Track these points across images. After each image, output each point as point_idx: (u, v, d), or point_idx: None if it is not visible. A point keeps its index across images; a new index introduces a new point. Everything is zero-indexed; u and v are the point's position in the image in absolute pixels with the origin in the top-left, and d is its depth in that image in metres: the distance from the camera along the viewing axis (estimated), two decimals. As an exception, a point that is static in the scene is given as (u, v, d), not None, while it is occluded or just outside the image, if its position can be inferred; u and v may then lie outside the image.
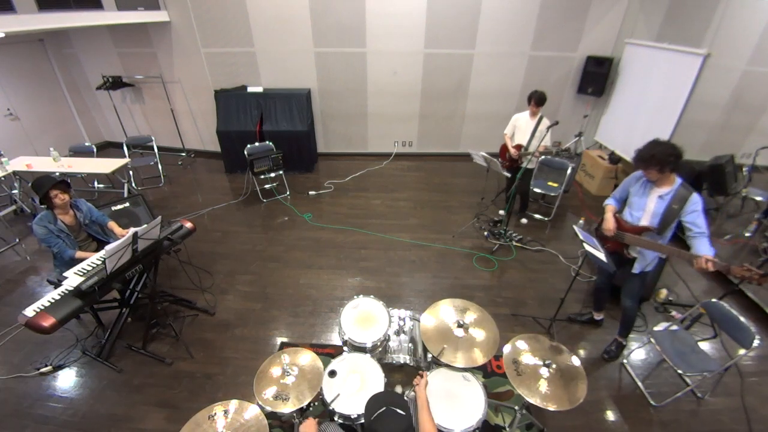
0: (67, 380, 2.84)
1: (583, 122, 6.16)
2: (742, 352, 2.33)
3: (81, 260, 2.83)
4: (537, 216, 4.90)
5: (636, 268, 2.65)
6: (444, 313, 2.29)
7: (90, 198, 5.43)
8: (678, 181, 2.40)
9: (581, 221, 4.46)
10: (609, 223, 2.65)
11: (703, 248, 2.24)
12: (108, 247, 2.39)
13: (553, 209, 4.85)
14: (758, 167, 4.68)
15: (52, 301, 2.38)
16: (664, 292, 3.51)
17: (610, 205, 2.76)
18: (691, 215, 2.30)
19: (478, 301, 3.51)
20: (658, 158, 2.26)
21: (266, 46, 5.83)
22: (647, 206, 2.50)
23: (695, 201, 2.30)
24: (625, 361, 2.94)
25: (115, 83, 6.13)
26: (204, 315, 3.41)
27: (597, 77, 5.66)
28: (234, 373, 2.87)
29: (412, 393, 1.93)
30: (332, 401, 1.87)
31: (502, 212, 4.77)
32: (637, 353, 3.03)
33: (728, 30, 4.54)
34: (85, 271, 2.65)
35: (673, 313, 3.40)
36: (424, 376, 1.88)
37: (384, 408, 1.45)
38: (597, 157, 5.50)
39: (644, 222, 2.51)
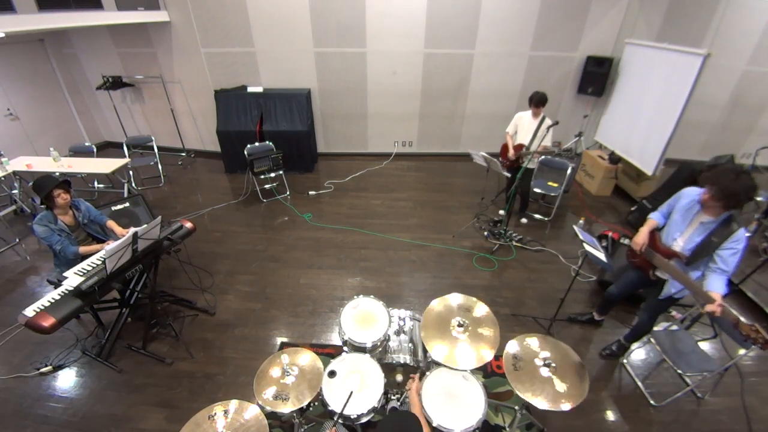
0: (67, 380, 2.84)
1: (583, 122, 6.16)
2: (742, 352, 2.33)
3: (84, 257, 2.84)
4: (537, 216, 4.90)
5: (664, 294, 2.47)
6: (449, 305, 2.31)
7: (90, 198, 5.44)
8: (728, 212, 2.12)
9: (581, 221, 4.46)
10: (640, 237, 2.45)
11: (717, 286, 2.08)
12: (108, 247, 2.39)
13: (553, 209, 4.85)
14: (758, 167, 4.68)
15: (52, 301, 2.38)
16: (664, 292, 3.51)
17: (652, 219, 2.51)
18: (726, 251, 2.08)
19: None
20: (737, 198, 1.98)
21: (266, 46, 5.83)
22: (686, 230, 2.28)
23: (738, 238, 2.06)
24: (625, 361, 2.94)
25: (115, 83, 6.13)
26: (204, 315, 3.41)
27: (597, 77, 5.66)
28: (234, 373, 2.87)
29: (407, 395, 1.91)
30: (344, 406, 1.73)
31: (502, 212, 4.77)
32: (637, 353, 3.03)
33: (728, 30, 4.55)
34: (85, 271, 2.66)
35: (673, 313, 3.39)
36: (415, 379, 1.87)
37: None
38: (597, 157, 5.50)
39: (678, 246, 2.32)
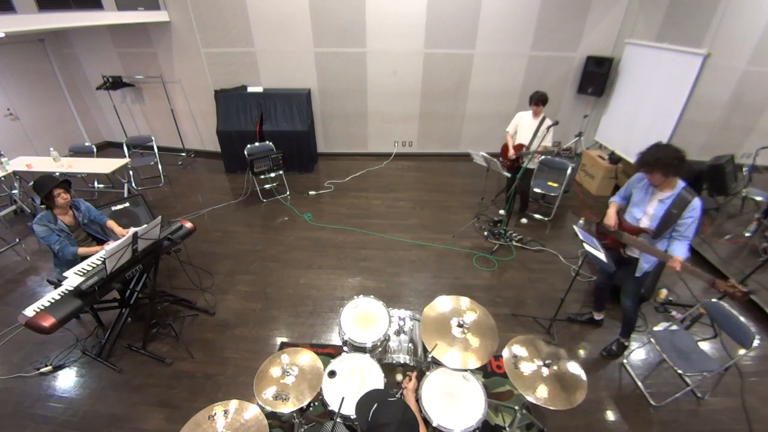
0: (67, 380, 2.84)
1: (583, 122, 6.16)
2: (742, 352, 2.32)
3: (83, 258, 2.84)
4: (537, 216, 4.90)
5: (639, 271, 2.62)
6: (444, 307, 2.30)
7: (90, 198, 5.44)
8: (680, 184, 2.37)
9: (581, 221, 4.46)
10: (610, 219, 2.66)
11: (679, 251, 2.28)
12: (108, 247, 2.39)
13: (553, 209, 4.85)
14: (758, 167, 4.67)
15: (52, 301, 2.38)
16: (664, 292, 3.51)
17: (615, 201, 2.75)
18: (686, 220, 2.30)
19: (477, 301, 3.52)
20: (663, 162, 2.23)
21: (266, 46, 5.83)
22: (647, 209, 2.49)
23: (694, 207, 2.27)
24: (625, 361, 2.94)
25: (115, 83, 6.13)
26: (204, 315, 3.41)
27: (597, 77, 5.66)
28: (234, 373, 2.87)
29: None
30: (339, 407, 1.72)
31: (502, 212, 4.76)
32: (637, 353, 3.03)
33: (728, 30, 4.53)
34: (85, 271, 2.65)
35: (673, 313, 3.40)
36: (413, 379, 1.88)
37: (375, 404, 1.43)
38: (597, 157, 5.50)
39: (644, 224, 2.51)
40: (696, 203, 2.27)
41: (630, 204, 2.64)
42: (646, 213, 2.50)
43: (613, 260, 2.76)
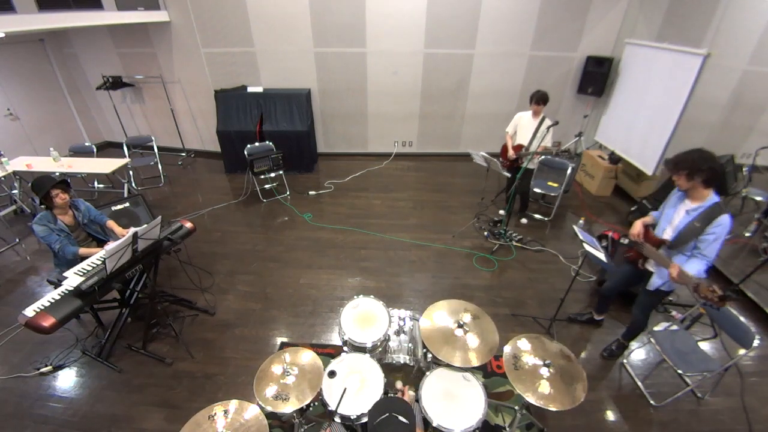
0: (67, 380, 2.84)
1: (583, 122, 6.16)
2: (742, 352, 2.33)
3: (83, 258, 2.84)
4: (537, 216, 4.90)
5: (651, 285, 2.53)
6: (441, 316, 2.29)
7: (90, 198, 5.44)
8: (713, 198, 2.19)
9: (581, 221, 4.46)
10: (635, 228, 2.54)
11: (691, 266, 2.18)
12: (108, 247, 2.39)
13: (553, 209, 4.85)
14: (758, 167, 4.67)
15: (52, 301, 2.38)
16: (664, 292, 3.51)
17: (650, 215, 2.64)
18: (708, 236, 2.14)
19: (477, 301, 3.53)
20: (690, 162, 2.11)
21: (266, 46, 5.83)
22: (673, 219, 2.38)
23: (720, 223, 2.10)
24: (625, 361, 2.94)
25: (115, 83, 6.13)
26: (204, 315, 3.41)
27: (597, 77, 5.66)
28: (234, 373, 2.87)
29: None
30: (339, 402, 1.79)
31: (502, 212, 4.76)
32: (637, 353, 3.03)
33: (728, 30, 4.54)
34: (85, 271, 2.65)
35: (673, 313, 3.40)
36: (406, 392, 1.94)
37: (387, 414, 1.45)
38: (597, 157, 5.50)
39: (667, 235, 2.41)
40: (723, 220, 2.09)
41: (661, 215, 2.54)
42: (671, 224, 2.38)
43: (633, 271, 2.72)
